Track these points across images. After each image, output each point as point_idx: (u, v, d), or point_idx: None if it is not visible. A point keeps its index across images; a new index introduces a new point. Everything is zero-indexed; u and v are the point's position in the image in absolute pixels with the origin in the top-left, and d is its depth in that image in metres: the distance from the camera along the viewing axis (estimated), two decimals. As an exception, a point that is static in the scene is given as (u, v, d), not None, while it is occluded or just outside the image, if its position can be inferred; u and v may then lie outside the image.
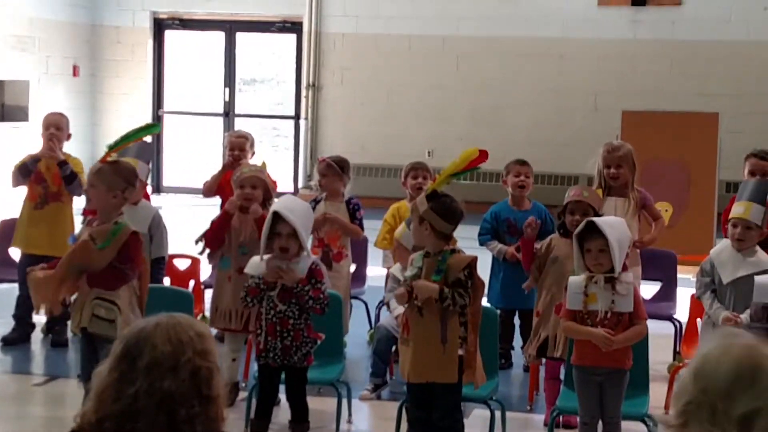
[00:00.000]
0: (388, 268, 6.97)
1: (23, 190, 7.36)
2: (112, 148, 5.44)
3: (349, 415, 5.84)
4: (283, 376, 5.25)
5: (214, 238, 6.22)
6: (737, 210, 5.64)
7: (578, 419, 5.21)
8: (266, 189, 6.26)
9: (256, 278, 5.12)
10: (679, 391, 2.30)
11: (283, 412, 5.58)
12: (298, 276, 5.07)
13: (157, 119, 16.02)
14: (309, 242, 5.25)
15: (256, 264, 5.19)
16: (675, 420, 2.27)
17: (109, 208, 5.22)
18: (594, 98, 14.56)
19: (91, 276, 5.08)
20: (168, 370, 2.47)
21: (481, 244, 6.87)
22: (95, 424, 2.48)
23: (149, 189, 7.48)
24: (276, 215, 5.11)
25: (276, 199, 5.46)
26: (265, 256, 5.15)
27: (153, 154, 6.96)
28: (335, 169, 6.94)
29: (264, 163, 6.48)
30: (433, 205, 4.95)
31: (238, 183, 6.19)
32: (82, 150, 12.30)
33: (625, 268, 5.09)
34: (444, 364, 4.95)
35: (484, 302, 6.05)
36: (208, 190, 7.54)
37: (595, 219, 5.14)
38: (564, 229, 5.83)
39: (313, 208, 6.88)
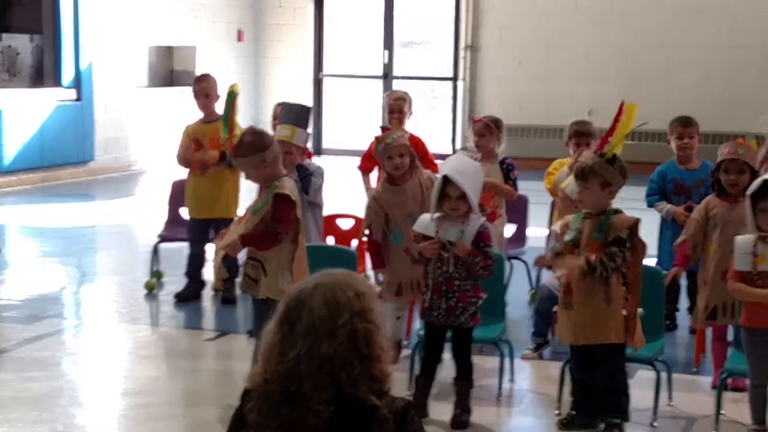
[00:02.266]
0: (550, 230, 6.91)
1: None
2: (227, 134, 5.53)
3: (512, 373, 5.84)
4: (448, 334, 5.28)
5: (378, 257, 6.15)
6: None
7: (747, 382, 5.08)
8: (412, 154, 6.17)
9: (415, 252, 5.13)
10: None
11: (445, 370, 5.63)
12: (468, 248, 5.07)
13: (318, 82, 16.27)
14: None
15: (425, 223, 5.19)
16: None
17: (265, 176, 5.30)
18: (766, 55, 13.99)
19: (244, 236, 5.21)
20: (325, 334, 2.49)
21: (650, 205, 6.74)
22: (263, 384, 2.54)
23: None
24: (446, 178, 5.11)
25: (447, 159, 5.39)
26: (436, 215, 5.16)
27: (311, 119, 6.96)
28: (491, 128, 6.91)
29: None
30: (618, 168, 4.90)
31: (385, 153, 6.03)
32: (246, 113, 12.62)
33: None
34: (610, 324, 4.90)
35: (652, 262, 5.97)
36: (182, 160, 7.46)
37: None
38: (719, 188, 5.66)
39: None
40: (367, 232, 6.23)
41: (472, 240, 5.09)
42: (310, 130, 6.91)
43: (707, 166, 6.69)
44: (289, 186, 5.28)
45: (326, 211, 6.90)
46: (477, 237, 5.11)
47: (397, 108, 7.45)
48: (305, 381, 2.49)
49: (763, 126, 6.50)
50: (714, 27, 14.22)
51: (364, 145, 7.77)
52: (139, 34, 14.08)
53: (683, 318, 6.87)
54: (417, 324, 6.24)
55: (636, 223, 4.93)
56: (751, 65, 14.07)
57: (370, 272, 7.26)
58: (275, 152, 5.32)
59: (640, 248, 4.96)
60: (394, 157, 5.99)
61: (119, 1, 13.74)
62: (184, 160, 7.48)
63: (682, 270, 5.82)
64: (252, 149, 5.29)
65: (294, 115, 6.57)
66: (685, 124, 6.79)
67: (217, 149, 7.32)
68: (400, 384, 5.42)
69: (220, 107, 7.42)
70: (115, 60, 13.78)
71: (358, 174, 7.62)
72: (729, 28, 14.17)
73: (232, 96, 5.71)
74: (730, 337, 5.67)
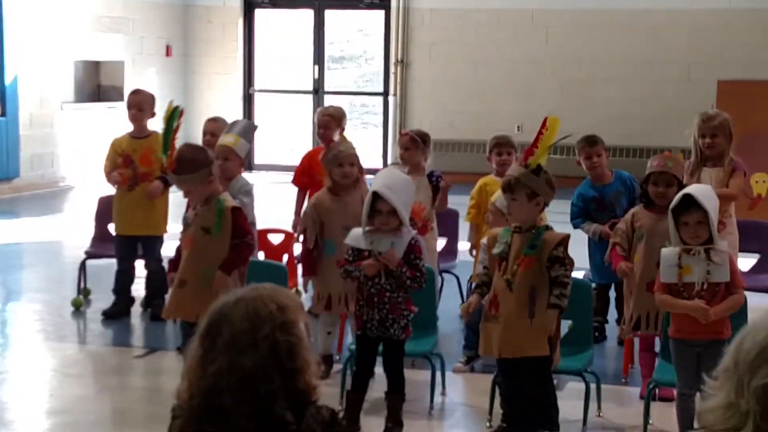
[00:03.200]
0: (472, 245, 6.97)
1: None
2: (167, 150, 5.51)
3: (443, 387, 5.86)
4: (380, 348, 5.28)
5: (309, 263, 6.15)
6: None
7: (675, 391, 5.16)
8: (361, 167, 6.22)
9: (356, 271, 5.12)
10: (724, 358, 2.28)
11: (377, 384, 5.63)
12: (397, 259, 5.08)
13: (248, 98, 16.21)
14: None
15: (356, 236, 5.19)
16: (713, 384, 2.25)
17: (208, 193, 5.35)
18: (687, 69, 14.28)
19: (225, 265, 5.25)
20: (246, 347, 2.46)
21: (576, 227, 6.82)
22: (187, 400, 2.52)
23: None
24: (376, 194, 5.11)
25: (373, 176, 5.40)
26: (366, 228, 5.17)
27: (254, 136, 7.00)
28: (417, 142, 6.95)
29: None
30: (544, 179, 4.95)
31: (336, 161, 6.09)
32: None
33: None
34: (533, 338, 4.94)
35: (579, 275, 6.04)
36: (108, 176, 7.38)
37: (692, 191, 5.03)
38: (647, 200, 5.75)
39: None
40: (301, 238, 6.23)
41: (402, 252, 5.10)
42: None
43: (621, 176, 6.84)
44: (231, 198, 5.35)
45: (257, 226, 6.87)
46: (408, 250, 5.12)
47: (323, 124, 7.43)
48: (225, 396, 2.46)
49: (686, 140, 6.59)
50: (635, 43, 14.47)
51: (296, 161, 7.76)
52: (65, 48, 13.90)
53: (612, 329, 6.95)
54: (349, 339, 6.23)
55: (566, 238, 4.99)
56: (672, 80, 14.33)
57: (301, 288, 7.27)
58: (215, 167, 5.39)
59: (568, 264, 5.02)
60: (345, 165, 6.02)
61: (44, 16, 13.55)
62: (110, 177, 7.37)
63: (624, 263, 5.80)
64: (199, 165, 5.32)
65: (240, 127, 6.66)
66: (591, 144, 6.87)
67: (150, 166, 7.26)
68: (332, 399, 5.40)
69: (154, 124, 7.39)
70: (40, 75, 13.58)
71: (289, 189, 7.60)
72: (650, 44, 14.43)
73: (176, 113, 5.65)
74: (657, 348, 5.75)
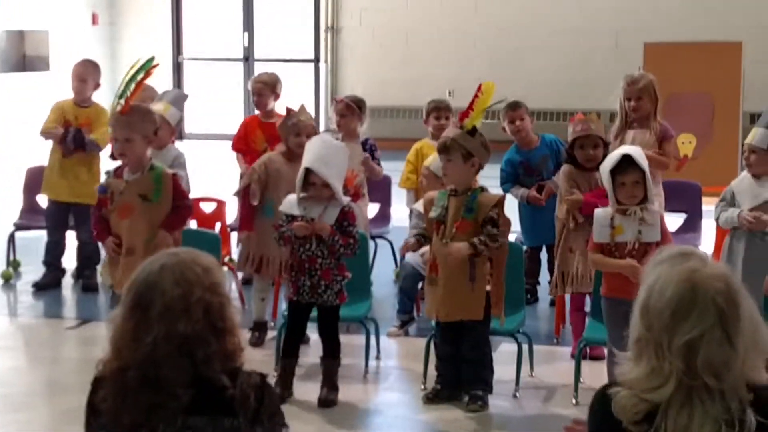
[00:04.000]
0: (410, 208, 7.01)
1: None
2: (123, 95, 5.45)
3: (378, 351, 5.90)
4: (314, 313, 5.30)
5: (249, 219, 6.16)
6: (748, 137, 5.66)
7: (605, 350, 5.25)
8: None
9: (288, 229, 5.13)
10: (632, 326, 2.29)
11: (313, 350, 5.65)
12: (329, 228, 5.08)
13: (177, 66, 16.02)
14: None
15: (291, 203, 5.20)
16: (630, 356, 2.26)
17: (143, 153, 5.31)
18: (615, 35, 14.41)
19: (164, 223, 5.27)
20: (181, 313, 2.46)
21: (505, 192, 6.88)
22: (118, 372, 2.50)
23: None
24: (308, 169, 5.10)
25: (309, 143, 5.37)
26: (300, 194, 5.16)
27: (185, 105, 6.98)
28: (353, 109, 6.95)
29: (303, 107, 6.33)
30: (479, 140, 5.00)
31: (294, 129, 6.06)
32: (102, 98, 12.33)
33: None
34: (472, 302, 5.00)
35: (512, 238, 6.11)
36: (45, 133, 7.32)
37: (630, 152, 5.08)
38: (574, 163, 5.82)
39: None
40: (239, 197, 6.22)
41: (334, 219, 5.12)
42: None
43: (546, 140, 6.93)
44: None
45: (189, 195, 6.82)
46: (341, 217, 5.14)
47: (257, 91, 7.38)
48: (164, 364, 2.45)
49: (612, 103, 6.67)
50: (564, 10, 14.56)
51: (226, 129, 7.71)
52: (-12, 17, 13.60)
53: (544, 291, 7.04)
54: (283, 305, 6.24)
55: (502, 200, 5.05)
56: (600, 47, 14.45)
57: (234, 256, 7.25)
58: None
59: (504, 224, 5.07)
60: (302, 135, 6.00)
61: (-34, -16, 13.25)
62: (47, 133, 7.27)
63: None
64: (149, 117, 5.32)
65: (171, 96, 6.62)
66: (513, 108, 6.93)
67: (89, 135, 7.19)
68: (266, 366, 5.42)
69: (99, 96, 7.41)
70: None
71: (221, 158, 7.56)
72: (578, 11, 14.53)
73: (148, 64, 5.56)
74: (587, 308, 5.85)
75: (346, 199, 5.24)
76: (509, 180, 6.90)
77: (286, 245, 5.23)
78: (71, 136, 7.16)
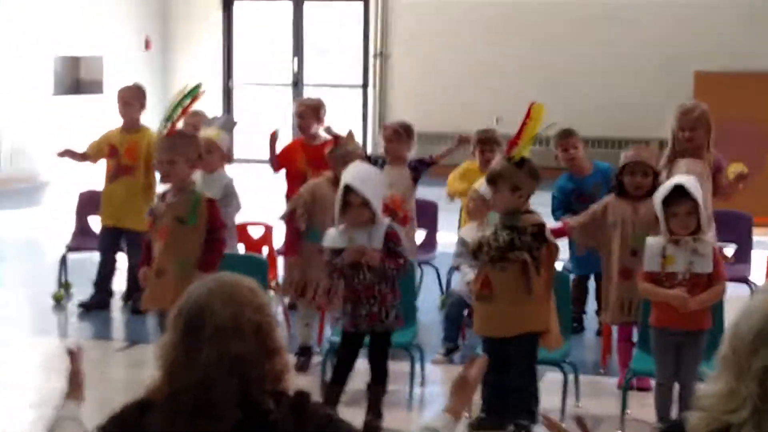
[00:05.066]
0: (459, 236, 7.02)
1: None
2: (169, 119, 5.53)
3: (422, 378, 5.89)
4: (366, 341, 5.30)
5: (294, 244, 6.18)
6: None
7: (653, 381, 5.21)
8: None
9: (340, 259, 5.13)
10: (720, 346, 2.32)
11: (357, 376, 5.65)
12: (377, 257, 5.08)
13: (228, 91, 16.18)
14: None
15: (333, 237, 5.19)
16: (712, 375, 2.28)
17: (187, 179, 5.38)
18: (665, 61, 14.34)
19: (200, 264, 5.26)
20: (233, 333, 2.47)
21: (556, 219, 6.85)
22: (170, 397, 2.50)
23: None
24: (347, 187, 5.13)
25: (348, 167, 5.40)
26: (340, 227, 5.18)
27: (235, 130, 7.07)
28: (400, 134, 6.98)
29: (351, 133, 6.36)
30: (527, 171, 4.99)
31: (344, 159, 5.98)
32: (154, 122, 12.49)
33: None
34: (532, 312, 4.98)
35: (558, 266, 6.09)
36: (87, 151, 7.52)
37: (682, 182, 5.06)
38: (620, 190, 5.77)
39: None
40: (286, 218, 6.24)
41: (381, 243, 5.12)
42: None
43: (599, 167, 6.88)
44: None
45: (237, 219, 6.89)
46: (386, 239, 5.14)
47: (300, 114, 7.44)
48: (215, 387, 2.46)
49: (665, 131, 6.63)
50: (614, 35, 14.51)
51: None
52: (44, 43, 13.83)
53: (590, 320, 7.00)
54: (328, 331, 6.26)
55: (542, 223, 5.04)
56: (650, 71, 14.39)
57: (281, 280, 7.29)
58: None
59: (553, 250, 5.06)
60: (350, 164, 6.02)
61: (24, 10, 13.49)
62: (81, 155, 7.47)
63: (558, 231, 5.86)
64: (194, 141, 5.40)
65: (221, 121, 6.71)
66: (566, 136, 6.90)
67: (134, 161, 7.31)
68: (311, 391, 5.41)
69: (147, 119, 7.52)
70: (19, 69, 13.52)
71: (268, 182, 7.62)
72: (628, 36, 14.48)
73: (195, 91, 5.65)
74: (635, 338, 5.80)
75: (387, 221, 5.24)
76: (561, 207, 6.86)
77: (340, 278, 5.22)
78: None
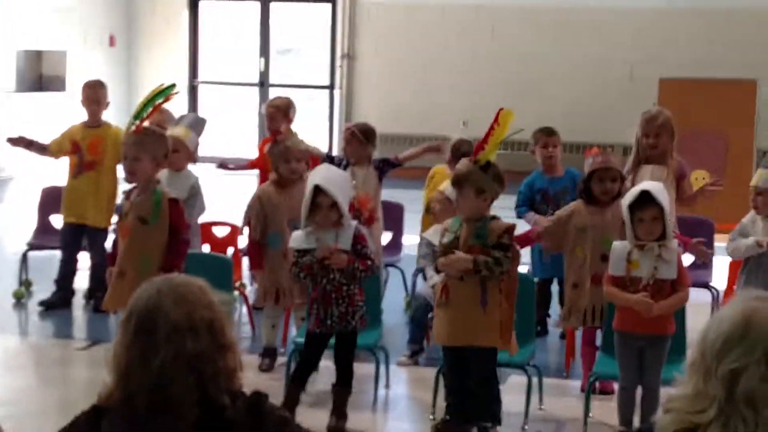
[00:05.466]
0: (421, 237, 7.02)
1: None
2: (138, 116, 5.50)
3: (387, 380, 5.89)
4: (331, 341, 5.29)
5: (257, 257, 6.13)
6: (753, 179, 5.74)
7: (616, 385, 5.24)
8: (308, 162, 6.22)
9: (310, 256, 5.12)
10: (690, 351, 2.38)
11: (321, 378, 5.64)
12: (345, 259, 5.08)
13: (193, 89, 16.11)
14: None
15: (300, 237, 5.18)
16: (681, 379, 2.35)
17: (152, 177, 5.34)
18: (630, 67, 14.45)
19: (163, 264, 5.21)
20: (187, 332, 2.47)
21: (519, 216, 6.87)
22: (125, 401, 2.48)
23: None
24: (316, 188, 5.11)
25: (312, 171, 5.40)
26: (307, 228, 5.17)
27: (203, 130, 7.05)
28: (357, 137, 6.96)
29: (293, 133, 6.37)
30: (492, 175, 4.99)
31: (283, 156, 6.07)
32: (118, 119, 12.38)
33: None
34: (484, 327, 4.98)
35: (523, 270, 6.11)
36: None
37: (649, 188, 5.09)
38: (588, 196, 5.79)
39: None
40: (246, 230, 6.22)
41: (350, 245, 5.12)
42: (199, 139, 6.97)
43: (571, 174, 6.90)
44: (168, 190, 5.34)
45: (201, 218, 6.86)
46: (354, 241, 5.14)
47: (270, 115, 7.46)
48: (174, 385, 2.45)
49: (630, 137, 6.69)
50: (580, 41, 14.62)
51: (241, 153, 7.78)
52: (6, 37, 13.70)
53: (554, 323, 7.03)
54: (293, 331, 6.24)
55: (512, 228, 5.04)
56: (616, 78, 14.50)
57: (246, 280, 7.27)
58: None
59: (515, 255, 5.07)
60: (292, 161, 6.02)
61: (-14, 3, 13.36)
62: (49, 147, 7.39)
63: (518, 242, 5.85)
64: (161, 140, 5.35)
65: (189, 120, 6.67)
66: (549, 134, 6.97)
67: (97, 156, 7.25)
68: (275, 392, 5.38)
69: (108, 115, 7.50)
70: (-19, 63, 13.38)
71: (233, 182, 7.61)
72: (594, 42, 14.58)
73: (168, 91, 5.62)
74: (598, 342, 5.83)
75: (354, 223, 5.23)
76: (525, 204, 6.89)
77: (308, 278, 5.20)
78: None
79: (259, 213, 6.08)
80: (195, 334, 2.47)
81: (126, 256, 5.32)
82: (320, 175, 5.17)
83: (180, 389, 2.45)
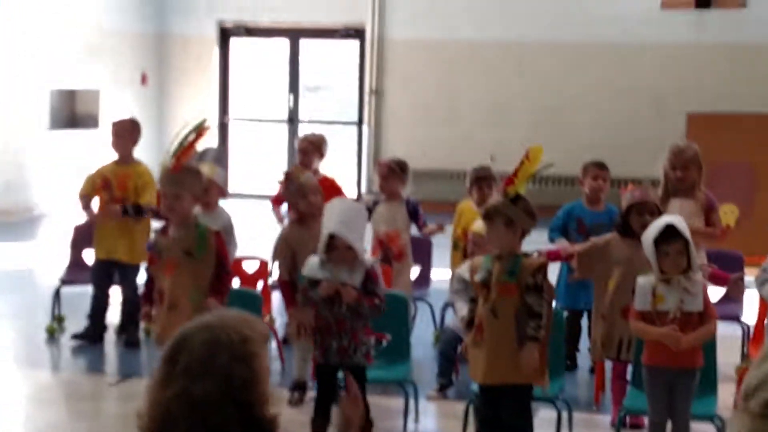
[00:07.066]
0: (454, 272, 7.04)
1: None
2: (176, 153, 5.55)
3: (416, 414, 5.89)
4: (340, 374, 5.28)
5: (290, 295, 6.12)
6: None
7: (647, 419, 5.22)
8: (323, 195, 6.25)
9: (314, 294, 5.13)
10: (763, 382, 2.32)
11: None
12: (354, 295, 5.09)
13: (223, 126, 16.25)
14: (367, 242, 5.26)
15: (314, 266, 5.18)
16: (759, 409, 2.28)
17: (190, 210, 5.42)
18: (657, 101, 14.47)
19: (212, 293, 5.31)
20: (200, 375, 2.42)
21: (550, 240, 6.89)
22: (147, 426, 2.48)
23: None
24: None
25: (329, 206, 5.39)
26: (322, 257, 5.17)
27: (227, 160, 7.16)
28: (396, 172, 7.03)
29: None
30: (522, 207, 5.01)
31: (299, 192, 6.08)
32: (150, 157, 12.52)
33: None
34: (523, 367, 4.96)
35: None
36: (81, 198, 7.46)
37: (673, 221, 5.10)
38: (626, 230, 5.79)
39: (372, 210, 6.99)
40: (276, 271, 6.27)
41: (360, 282, 5.12)
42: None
43: (611, 210, 6.85)
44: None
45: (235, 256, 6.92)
46: (364, 278, 5.14)
47: (303, 149, 7.55)
48: (179, 423, 2.42)
49: (657, 170, 6.70)
50: (607, 75, 14.66)
51: (270, 189, 7.87)
52: (40, 77, 13.90)
53: (583, 358, 7.01)
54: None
55: (543, 265, 5.04)
56: (643, 111, 14.51)
57: (275, 315, 7.31)
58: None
59: (547, 290, 5.07)
60: (309, 195, 6.06)
61: (21, 43, 13.57)
62: (82, 198, 7.43)
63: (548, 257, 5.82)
64: (199, 177, 5.42)
65: (213, 155, 6.72)
66: (600, 167, 7.01)
67: (125, 192, 7.32)
68: (305, 426, 5.43)
69: (140, 152, 7.56)
70: (15, 102, 13.57)
71: (263, 217, 7.67)
72: (621, 77, 14.62)
73: (200, 125, 5.69)
74: (628, 376, 5.82)
75: (369, 260, 5.24)
76: (558, 229, 6.90)
77: (312, 308, 5.22)
78: (131, 210, 7.27)
79: (286, 254, 6.13)
80: (207, 379, 2.42)
81: (175, 289, 5.39)
82: (336, 219, 5.12)
83: (184, 429, 2.43)
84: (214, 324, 2.50)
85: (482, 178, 7.04)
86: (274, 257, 6.23)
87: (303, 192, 6.06)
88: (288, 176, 6.23)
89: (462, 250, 6.57)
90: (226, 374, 2.43)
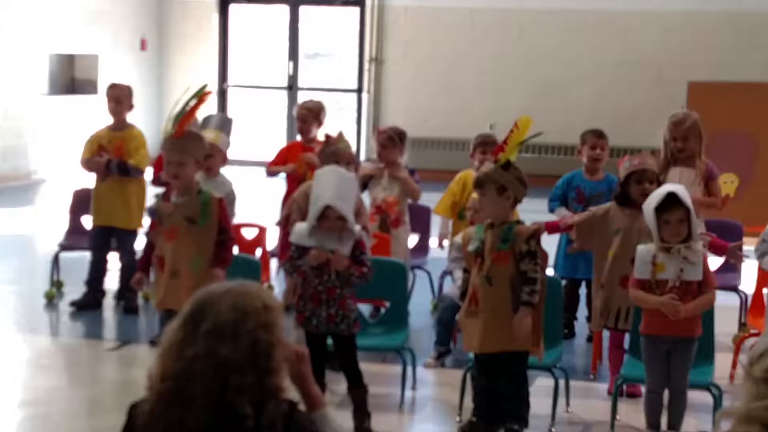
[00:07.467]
0: (441, 237, 7.04)
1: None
2: (178, 119, 5.53)
3: (414, 381, 5.91)
4: (329, 341, 5.25)
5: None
6: None
7: (644, 388, 5.23)
8: (356, 166, 6.23)
9: (302, 262, 5.08)
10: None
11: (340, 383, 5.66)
12: (346, 262, 5.07)
13: (222, 93, 16.20)
14: (364, 206, 5.24)
15: (302, 233, 5.11)
16: (762, 374, 2.30)
17: (193, 177, 5.41)
18: (658, 70, 14.41)
19: (217, 262, 5.32)
20: (228, 337, 2.49)
21: (550, 210, 6.89)
22: (158, 381, 2.53)
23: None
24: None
25: (321, 173, 5.34)
26: (311, 225, 5.12)
27: (232, 128, 7.12)
28: (395, 140, 7.01)
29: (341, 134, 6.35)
30: (514, 175, 5.00)
31: (332, 158, 5.99)
32: (148, 122, 12.49)
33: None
34: (517, 332, 4.97)
35: (550, 272, 6.11)
36: (84, 164, 7.45)
37: (675, 190, 5.08)
38: (625, 199, 5.78)
39: (367, 184, 6.97)
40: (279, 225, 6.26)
41: (350, 250, 5.09)
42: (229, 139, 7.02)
43: (610, 180, 6.85)
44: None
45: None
46: (353, 246, 5.11)
47: (301, 117, 7.51)
48: (197, 382, 2.48)
49: (657, 139, 6.68)
50: (607, 44, 14.59)
51: (269, 156, 7.83)
52: (39, 41, 13.84)
53: (581, 326, 7.03)
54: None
55: (537, 230, 5.04)
56: (643, 80, 14.46)
57: (273, 282, 7.32)
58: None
59: (541, 257, 5.08)
60: (341, 163, 6.02)
61: (19, 9, 13.49)
62: (86, 164, 7.42)
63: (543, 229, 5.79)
64: (202, 143, 5.42)
65: (217, 121, 6.69)
66: (598, 136, 6.99)
67: (122, 157, 7.31)
68: (291, 391, 5.43)
69: (133, 117, 7.53)
70: (14, 67, 13.52)
71: (261, 184, 7.66)
72: (622, 45, 14.55)
73: (201, 91, 5.65)
74: (626, 344, 5.83)
75: (357, 229, 5.20)
76: (559, 199, 6.90)
77: (299, 276, 5.19)
78: (114, 166, 7.27)
79: (301, 207, 6.08)
80: (234, 342, 2.49)
81: (177, 256, 5.38)
82: (332, 191, 5.06)
83: (198, 389, 2.48)
84: (239, 290, 2.57)
85: (486, 143, 7.03)
86: (288, 207, 6.19)
87: (336, 158, 6.02)
88: (328, 138, 6.18)
89: (469, 221, 6.56)
90: (253, 339, 2.50)
